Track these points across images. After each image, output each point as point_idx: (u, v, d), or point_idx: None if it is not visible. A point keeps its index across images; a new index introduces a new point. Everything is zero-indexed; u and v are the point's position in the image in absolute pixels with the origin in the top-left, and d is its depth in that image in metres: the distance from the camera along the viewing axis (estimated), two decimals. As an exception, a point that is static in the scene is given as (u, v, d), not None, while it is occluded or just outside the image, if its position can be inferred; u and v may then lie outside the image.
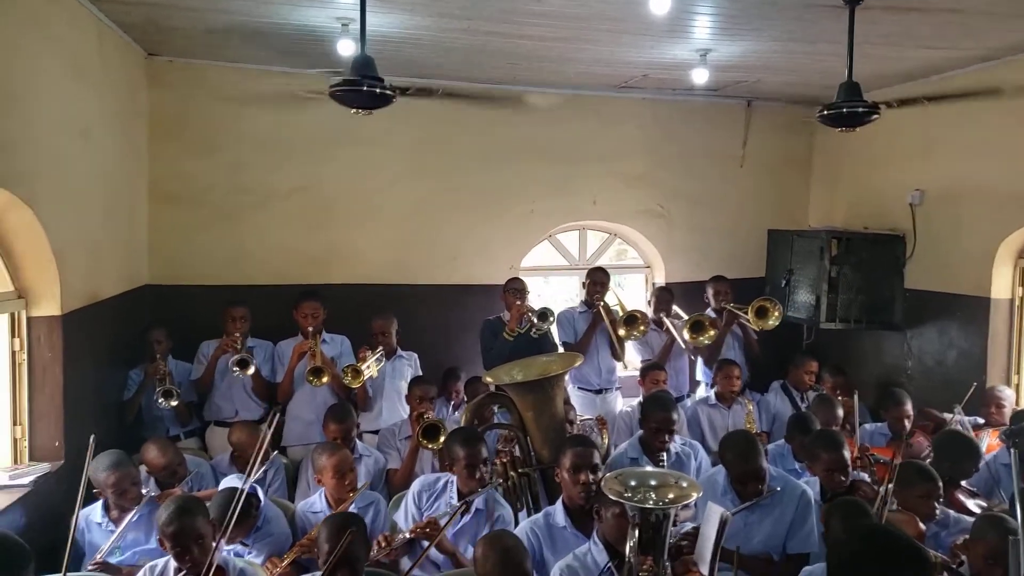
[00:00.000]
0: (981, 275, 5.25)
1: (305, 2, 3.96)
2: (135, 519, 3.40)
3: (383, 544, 3.21)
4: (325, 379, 4.56)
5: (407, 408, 4.76)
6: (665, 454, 4.05)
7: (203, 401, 4.94)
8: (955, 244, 5.45)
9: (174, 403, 4.46)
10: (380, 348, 4.85)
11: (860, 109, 3.62)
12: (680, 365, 5.71)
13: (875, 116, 3.69)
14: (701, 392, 5.88)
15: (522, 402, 3.96)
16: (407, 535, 3.33)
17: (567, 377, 5.33)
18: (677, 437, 4.38)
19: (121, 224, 4.78)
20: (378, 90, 3.30)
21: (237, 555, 3.24)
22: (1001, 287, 5.22)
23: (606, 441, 5.01)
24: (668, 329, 5.62)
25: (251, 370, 4.57)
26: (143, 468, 3.76)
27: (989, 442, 4.55)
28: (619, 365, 5.59)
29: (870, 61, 4.87)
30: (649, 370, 5.37)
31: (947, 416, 4.87)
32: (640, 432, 4.25)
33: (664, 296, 5.91)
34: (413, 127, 5.74)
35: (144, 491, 3.51)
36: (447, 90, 5.68)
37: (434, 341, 5.73)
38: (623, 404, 5.64)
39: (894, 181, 5.93)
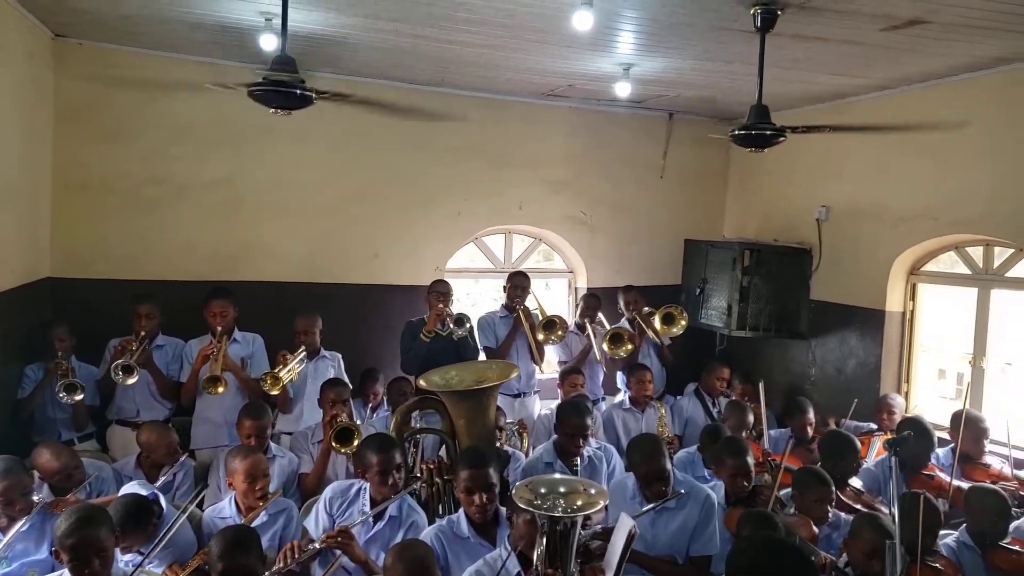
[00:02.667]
0: (877, 289, 5.58)
1: (227, -5, 3.88)
2: (25, 528, 3.23)
3: (293, 553, 3.16)
4: (221, 389, 4.42)
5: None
6: (579, 458, 4.14)
7: (106, 405, 4.74)
8: (856, 259, 5.77)
9: (78, 397, 4.25)
10: (302, 348, 4.78)
11: (768, 132, 3.80)
12: (596, 369, 5.84)
13: (782, 139, 3.88)
14: (620, 396, 6.02)
15: (455, 409, 3.94)
16: (317, 545, 3.29)
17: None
18: (592, 441, 4.48)
19: (20, 212, 4.54)
20: (298, 91, 3.25)
21: (133, 564, 3.11)
22: (895, 301, 5.56)
23: (526, 445, 5.10)
24: (589, 335, 5.75)
25: (133, 379, 4.35)
26: (35, 473, 3.57)
27: (880, 447, 4.85)
28: (537, 369, 5.67)
29: (781, 84, 5.11)
30: (568, 374, 5.48)
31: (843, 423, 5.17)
32: (555, 437, 4.32)
33: (591, 302, 6.04)
34: (338, 123, 5.66)
35: (36, 498, 3.35)
36: (374, 90, 5.64)
37: (353, 341, 5.68)
38: (541, 407, 5.73)
39: (803, 197, 6.22)
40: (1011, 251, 4.99)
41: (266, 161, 5.62)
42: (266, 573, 3.08)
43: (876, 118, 5.53)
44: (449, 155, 6.14)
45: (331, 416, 4.29)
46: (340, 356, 5.18)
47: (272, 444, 4.22)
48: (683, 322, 5.60)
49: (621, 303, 6.02)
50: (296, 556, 3.07)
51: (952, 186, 5.05)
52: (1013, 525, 3.66)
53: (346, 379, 4.90)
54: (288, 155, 5.67)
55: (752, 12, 3.66)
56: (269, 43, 4.30)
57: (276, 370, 4.52)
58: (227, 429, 4.60)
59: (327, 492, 3.61)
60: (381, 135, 5.89)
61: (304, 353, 4.76)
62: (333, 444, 4.09)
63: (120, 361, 4.34)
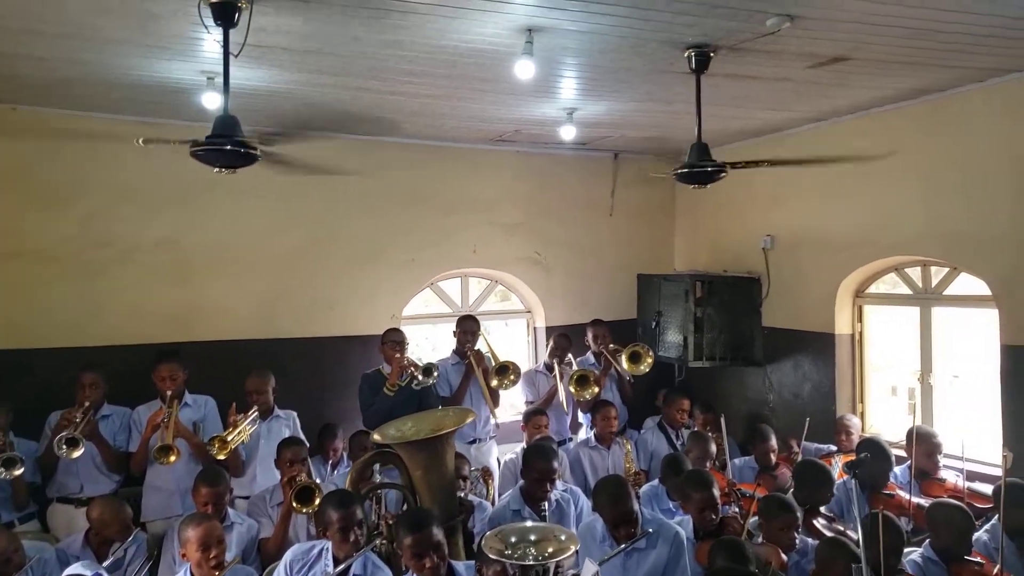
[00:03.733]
0: (825, 313, 5.73)
1: (167, 55, 3.85)
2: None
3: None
4: (173, 458, 4.26)
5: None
6: (547, 503, 4.10)
7: (46, 482, 4.51)
8: (803, 285, 5.92)
9: (17, 472, 4.02)
10: (254, 409, 4.67)
11: (709, 168, 3.91)
12: (562, 410, 5.81)
13: (723, 175, 3.99)
14: (583, 435, 6.01)
15: (412, 461, 3.85)
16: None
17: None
18: (559, 483, 4.46)
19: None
20: (242, 150, 3.23)
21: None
22: (843, 323, 5.71)
23: (491, 492, 5.05)
24: (556, 376, 5.74)
25: (79, 451, 4.15)
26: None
27: (840, 468, 4.92)
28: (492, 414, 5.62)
29: (719, 120, 5.28)
30: (532, 415, 5.46)
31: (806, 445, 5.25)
32: (522, 482, 4.29)
33: (562, 343, 6.02)
34: (286, 177, 5.58)
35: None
36: (320, 143, 5.66)
37: (310, 396, 5.60)
38: (499, 452, 5.69)
39: (748, 227, 6.39)
40: (947, 270, 5.18)
41: (213, 219, 5.55)
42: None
43: (811, 149, 5.75)
44: (400, 203, 6.16)
45: (289, 476, 4.20)
46: (295, 415, 5.05)
47: (230, 511, 4.08)
48: (649, 360, 5.61)
49: (589, 337, 6.05)
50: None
51: (887, 211, 5.24)
52: (974, 537, 3.74)
53: (302, 437, 4.78)
54: (235, 211, 5.61)
55: (687, 55, 3.80)
56: (212, 101, 4.27)
57: (225, 434, 4.40)
58: (180, 498, 4.45)
59: (287, 555, 3.51)
60: (329, 186, 5.87)
61: (256, 414, 4.65)
62: (294, 505, 3.99)
63: (64, 434, 4.14)
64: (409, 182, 6.18)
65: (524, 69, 3.63)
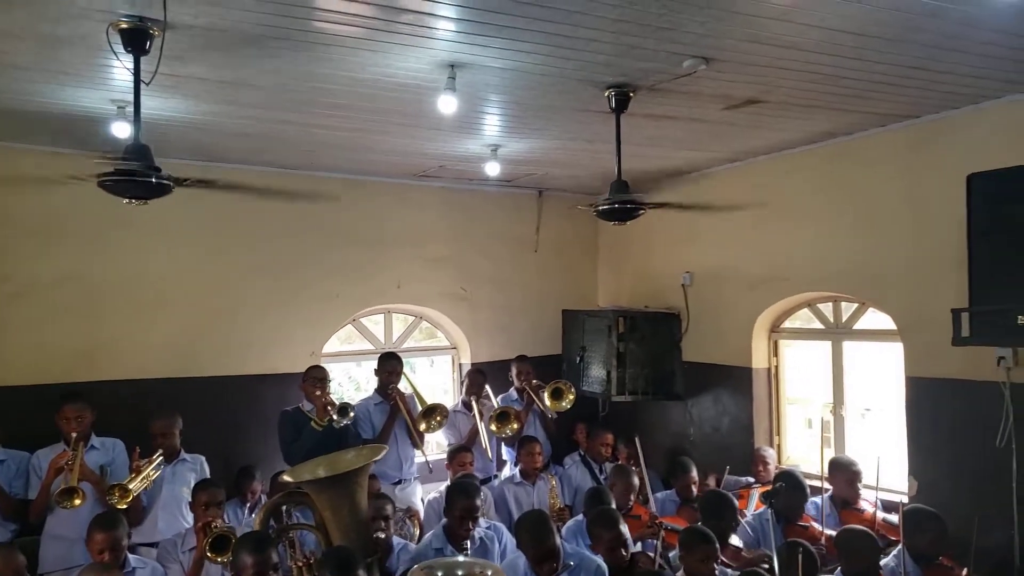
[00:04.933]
0: (743, 347, 5.90)
1: (75, 82, 3.71)
2: None
3: None
4: (78, 501, 4.00)
5: (190, 516, 4.37)
6: (470, 541, 4.04)
7: None
8: (720, 320, 6.09)
9: None
10: (159, 453, 4.44)
11: (628, 206, 4.02)
12: (484, 447, 5.76)
13: (641, 212, 4.10)
14: (507, 471, 5.97)
15: (319, 500, 3.76)
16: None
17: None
18: (482, 521, 4.41)
19: None
20: (153, 180, 3.12)
21: None
22: (759, 358, 5.89)
23: (417, 532, 4.94)
24: (476, 414, 5.70)
25: None
26: None
27: (758, 500, 5.02)
28: (417, 454, 5.53)
29: (639, 159, 5.44)
30: (456, 453, 5.40)
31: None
32: (444, 521, 4.22)
33: (476, 378, 6.01)
34: (202, 211, 5.47)
35: None
36: (237, 175, 5.54)
37: (225, 438, 5.38)
38: (423, 493, 5.59)
39: (668, 264, 6.55)
40: (856, 305, 5.42)
41: (122, 252, 5.31)
42: None
43: (728, 189, 5.97)
44: (321, 238, 6.06)
45: (204, 522, 4.01)
46: (203, 459, 4.82)
47: (131, 556, 3.86)
48: (571, 397, 5.68)
49: (513, 373, 6.05)
50: None
51: (799, 248, 5.47)
52: (882, 563, 3.86)
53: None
54: (146, 245, 5.39)
55: (607, 95, 3.90)
56: (123, 131, 4.10)
57: (127, 481, 4.16)
58: (83, 546, 4.16)
59: (198, 604, 3.35)
60: (247, 220, 5.73)
61: (161, 458, 4.42)
62: (208, 554, 3.80)
63: None
64: (331, 216, 6.09)
65: (447, 104, 3.66)
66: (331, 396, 5.06)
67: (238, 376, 5.68)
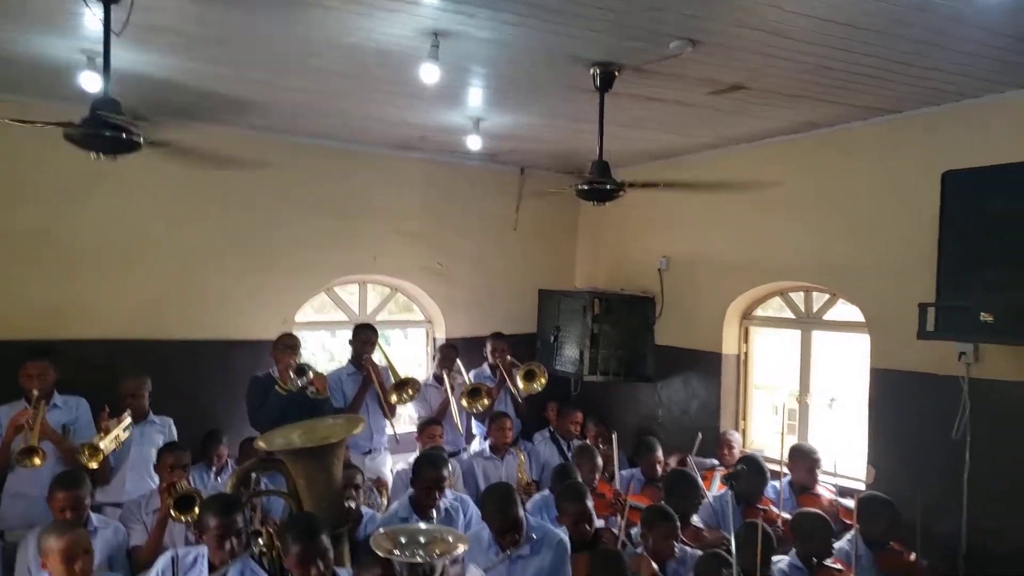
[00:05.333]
0: (714, 333, 5.96)
1: (42, 29, 3.59)
2: None
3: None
4: (38, 461, 3.92)
5: (156, 478, 4.35)
6: (435, 511, 4.07)
7: None
8: (694, 306, 6.14)
9: None
10: (127, 413, 4.40)
11: (609, 187, 4.02)
12: (455, 421, 5.79)
13: (622, 193, 4.10)
14: (476, 445, 6.01)
15: (295, 468, 3.77)
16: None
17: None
18: (449, 492, 4.43)
19: None
20: (123, 135, 3.03)
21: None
22: (730, 344, 5.96)
23: (385, 502, 4.96)
24: (447, 388, 5.72)
25: None
26: None
27: (720, 482, 5.11)
28: (387, 425, 5.54)
29: (621, 141, 5.42)
30: (426, 426, 5.42)
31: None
32: (411, 491, 4.24)
33: (448, 353, 6.03)
34: (177, 172, 5.28)
35: None
36: (214, 137, 5.43)
37: (194, 402, 5.32)
38: (394, 463, 5.61)
39: (645, 248, 6.58)
40: (827, 296, 5.49)
41: (94, 209, 5.21)
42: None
43: (709, 174, 5.99)
44: (298, 205, 5.98)
45: (169, 483, 3.99)
46: (171, 421, 4.80)
47: (93, 515, 3.83)
48: (543, 379, 5.74)
49: (488, 350, 6.07)
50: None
51: (774, 238, 5.52)
52: (836, 547, 3.96)
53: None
54: (119, 203, 5.30)
55: (592, 72, 3.89)
56: (92, 83, 3.92)
57: (96, 440, 4.12)
58: (44, 504, 4.12)
59: (159, 562, 3.35)
60: (223, 184, 5.62)
61: (129, 419, 4.38)
62: (173, 513, 3.79)
63: None
64: (309, 183, 6.01)
65: (429, 73, 3.62)
66: (294, 361, 5.02)
67: (209, 341, 5.63)
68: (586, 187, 4.04)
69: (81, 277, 5.19)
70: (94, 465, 4.02)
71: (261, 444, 3.84)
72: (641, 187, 4.13)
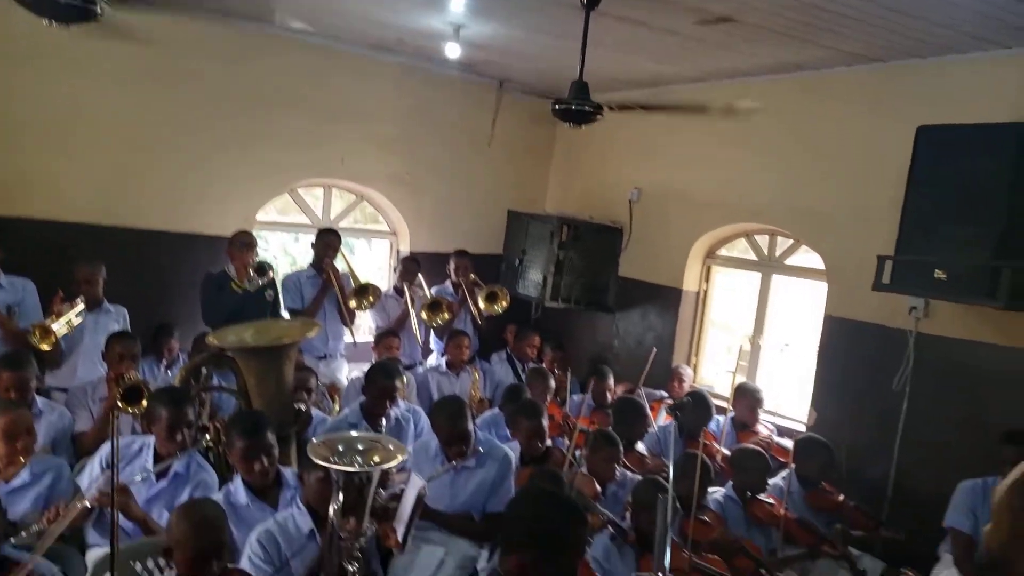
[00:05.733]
0: (677, 269, 6.01)
1: None
2: None
3: (57, 513, 2.89)
4: None
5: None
6: (385, 419, 4.11)
7: None
8: (660, 240, 6.15)
9: None
10: (81, 299, 4.33)
11: (587, 108, 3.93)
12: (413, 334, 5.81)
13: (599, 116, 4.02)
14: (434, 360, 6.05)
15: (246, 367, 3.78)
16: (88, 503, 3.04)
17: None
18: (401, 403, 4.49)
19: None
20: (76, 2, 2.87)
21: None
22: (691, 281, 6.02)
23: (337, 408, 5.00)
24: (407, 300, 5.71)
25: None
26: None
27: (666, 412, 5.25)
28: (345, 332, 5.55)
29: (603, 64, 5.27)
30: (383, 337, 5.43)
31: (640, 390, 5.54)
32: (362, 398, 4.27)
33: (411, 266, 5.99)
34: (141, 47, 5.09)
35: None
36: (182, 18, 5.16)
37: (147, 294, 5.25)
38: (349, 371, 5.63)
39: (619, 178, 6.52)
40: (791, 242, 5.54)
41: (50, 84, 4.95)
42: (23, 534, 2.82)
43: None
44: (266, 98, 5.74)
45: (117, 372, 3.97)
46: (125, 311, 4.74)
47: (39, 399, 3.80)
48: (505, 302, 5.80)
49: (451, 267, 6.04)
50: (62, 515, 2.80)
51: (746, 178, 5.51)
52: (771, 483, 4.12)
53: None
54: (78, 81, 5.04)
55: (579, -14, 3.75)
56: None
57: (49, 321, 4.06)
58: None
59: (104, 448, 3.34)
60: (189, 69, 5.39)
61: (83, 305, 4.31)
62: (119, 403, 3.77)
63: None
64: (278, 77, 5.76)
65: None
66: (253, 259, 4.97)
67: (166, 232, 5.49)
68: (563, 107, 3.95)
69: (32, 153, 4.96)
70: (45, 347, 3.99)
71: (213, 340, 3.81)
72: (619, 110, 4.05)
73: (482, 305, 5.74)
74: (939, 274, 3.86)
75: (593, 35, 4.02)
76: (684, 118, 5.56)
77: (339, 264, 5.41)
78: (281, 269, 6.01)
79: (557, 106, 3.97)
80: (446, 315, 5.62)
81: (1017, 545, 1.10)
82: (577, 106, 3.92)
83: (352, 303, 5.29)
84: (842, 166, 4.88)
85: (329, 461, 2.56)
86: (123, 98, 5.25)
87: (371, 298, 5.33)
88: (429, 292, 5.88)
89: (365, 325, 6.22)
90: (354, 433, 2.96)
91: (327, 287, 5.31)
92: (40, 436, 3.50)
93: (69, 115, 5.07)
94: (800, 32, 4.18)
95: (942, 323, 4.35)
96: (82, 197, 5.17)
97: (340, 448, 2.65)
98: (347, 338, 5.58)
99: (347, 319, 5.40)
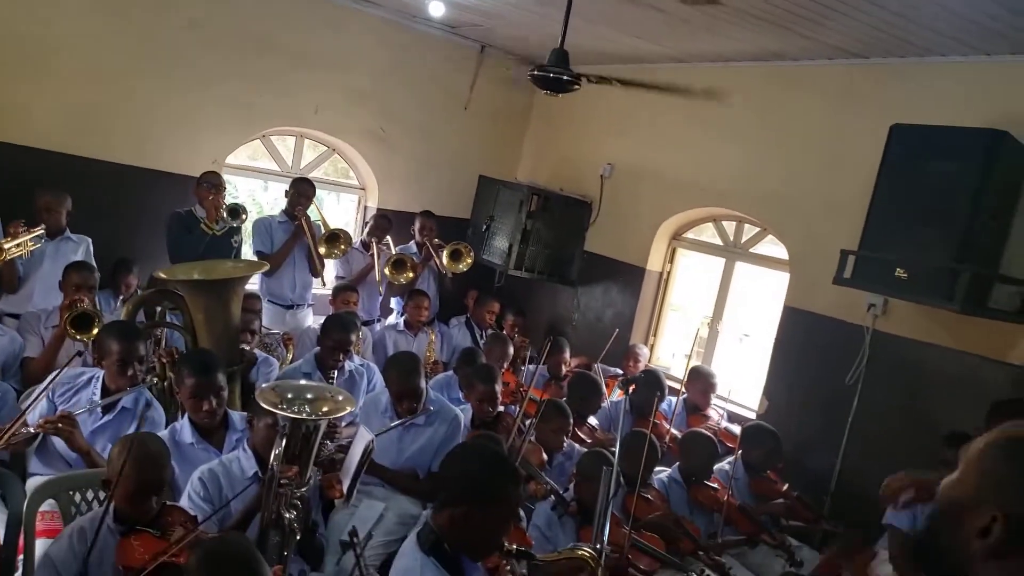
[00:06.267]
0: (642, 248, 6.04)
1: None
2: None
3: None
4: None
5: (63, 296, 4.22)
6: (337, 372, 4.09)
7: None
8: (629, 218, 6.17)
9: None
10: (41, 226, 4.22)
11: (565, 77, 3.89)
12: (374, 289, 5.78)
13: (577, 86, 3.99)
14: (392, 319, 6.02)
15: (194, 303, 3.73)
16: (32, 429, 2.98)
17: (260, 289, 5.18)
18: (356, 357, 4.47)
19: None
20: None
21: None
22: (655, 261, 6.06)
23: (290, 357, 4.96)
24: (373, 255, 5.67)
25: None
26: None
27: (620, 390, 5.30)
28: (316, 282, 5.50)
29: (587, 38, 5.24)
30: (341, 291, 5.37)
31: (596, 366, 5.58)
32: (317, 349, 4.24)
33: (382, 223, 5.96)
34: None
35: None
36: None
37: (109, 227, 5.10)
38: (313, 321, 5.58)
39: (593, 152, 6.51)
40: (757, 230, 5.59)
41: (27, 13, 4.78)
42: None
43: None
44: (240, 40, 5.59)
45: (72, 300, 3.86)
46: (89, 240, 4.63)
47: (-9, 323, 3.72)
48: (469, 260, 5.78)
49: (416, 227, 5.99)
50: (5, 439, 2.74)
51: (718, 163, 5.53)
52: (716, 467, 4.19)
53: (93, 264, 4.41)
54: (55, 10, 4.88)
55: (568, -49, 3.70)
56: None
57: (3, 240, 3.95)
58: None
59: (51, 376, 3.26)
60: (170, 3, 5.25)
61: (43, 231, 4.21)
62: (69, 330, 3.69)
63: None
64: (255, 19, 5.61)
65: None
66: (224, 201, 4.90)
67: (132, 167, 5.35)
68: (541, 74, 3.90)
69: (-2, 76, 4.79)
70: None
71: (161, 275, 3.75)
72: (597, 81, 4.01)
73: (446, 262, 5.72)
74: (900, 273, 3.91)
75: (577, 5, 3.97)
76: (662, 98, 5.52)
77: (311, 214, 5.34)
78: (250, 217, 5.92)
79: (535, 72, 3.92)
80: (410, 274, 5.59)
81: (974, 499, 1.14)
82: (555, 74, 3.88)
83: (322, 250, 5.23)
84: (814, 158, 4.93)
85: (277, 408, 2.55)
86: (97, 27, 5.08)
87: (342, 246, 5.32)
88: (395, 251, 5.84)
89: (333, 278, 6.16)
90: (304, 382, 2.94)
91: (298, 234, 5.24)
92: (-12, 358, 3.43)
93: (42, 43, 4.90)
94: (784, 20, 4.19)
95: (898, 322, 4.44)
96: (47, 124, 4.99)
97: (289, 396, 2.64)
98: (316, 287, 5.52)
99: (317, 268, 5.35)
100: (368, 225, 6.06)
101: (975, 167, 3.72)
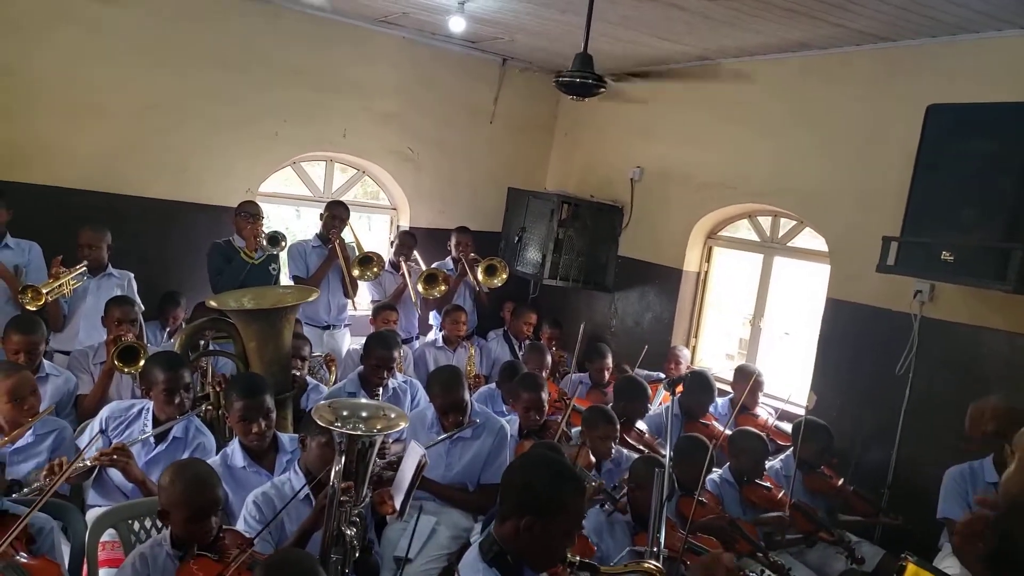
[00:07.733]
0: (678, 249, 5.98)
1: None
2: None
3: (56, 469, 2.88)
4: None
5: (108, 331, 4.32)
6: (382, 389, 4.11)
7: None
8: (662, 220, 6.12)
9: None
10: (84, 264, 4.33)
11: (590, 80, 3.89)
12: (411, 307, 5.81)
13: (602, 88, 3.98)
14: (432, 335, 6.04)
15: (246, 331, 3.79)
16: (88, 462, 3.04)
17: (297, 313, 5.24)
18: (398, 375, 4.49)
19: None
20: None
21: None
22: (692, 261, 5.99)
23: (333, 378, 5.01)
24: (404, 274, 5.71)
25: None
26: None
27: (665, 394, 5.23)
28: (348, 303, 5.56)
29: (608, 41, 5.24)
30: (381, 310, 5.42)
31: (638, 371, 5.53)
32: (361, 368, 4.27)
33: (407, 240, 6.00)
34: (151, 17, 5.13)
35: None
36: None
37: (153, 261, 5.26)
38: (351, 342, 5.63)
39: (620, 157, 6.48)
40: (794, 223, 5.50)
41: (63, 53, 4.94)
42: (25, 490, 2.82)
43: (693, 86, 5.85)
44: (270, 71, 5.71)
45: (115, 335, 3.95)
46: (131, 275, 4.73)
47: (45, 362, 3.80)
48: (504, 275, 5.82)
49: (452, 243, 6.03)
50: (64, 472, 2.79)
51: (749, 159, 5.47)
52: (767, 465, 4.11)
53: (136, 299, 4.50)
54: (89, 50, 5.03)
55: (586, -43, 3.70)
56: None
57: (41, 285, 4.06)
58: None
59: (104, 411, 3.34)
60: (195, 40, 5.38)
61: (85, 268, 4.32)
62: (116, 363, 3.77)
63: None
64: (283, 50, 5.73)
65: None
66: (263, 230, 4.99)
67: (171, 201, 5.49)
68: (566, 79, 3.90)
69: (43, 119, 4.96)
70: (33, 308, 3.99)
71: (212, 303, 3.80)
72: (623, 78, 3.98)
73: (481, 278, 5.74)
74: (946, 256, 3.81)
75: (598, 10, 3.98)
76: (688, 98, 5.52)
77: (346, 236, 5.41)
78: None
79: (560, 78, 3.93)
80: (442, 287, 5.60)
81: None
82: (580, 78, 3.87)
83: (356, 272, 5.29)
84: (847, 147, 4.84)
85: (333, 425, 2.56)
86: (132, 68, 5.22)
87: (375, 268, 5.37)
88: (428, 266, 5.87)
89: (362, 299, 6.21)
90: (361, 400, 2.95)
91: (332, 257, 5.31)
92: (46, 399, 3.52)
93: (80, 85, 5.06)
94: (809, 8, 4.13)
95: (947, 308, 4.32)
96: (90, 165, 5.15)
97: (344, 413, 2.65)
98: (350, 309, 5.58)
99: (349, 290, 5.40)
100: (394, 244, 6.11)
101: (1018, 142, 3.62)
